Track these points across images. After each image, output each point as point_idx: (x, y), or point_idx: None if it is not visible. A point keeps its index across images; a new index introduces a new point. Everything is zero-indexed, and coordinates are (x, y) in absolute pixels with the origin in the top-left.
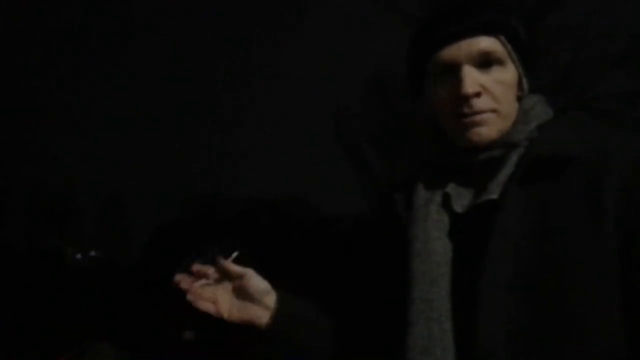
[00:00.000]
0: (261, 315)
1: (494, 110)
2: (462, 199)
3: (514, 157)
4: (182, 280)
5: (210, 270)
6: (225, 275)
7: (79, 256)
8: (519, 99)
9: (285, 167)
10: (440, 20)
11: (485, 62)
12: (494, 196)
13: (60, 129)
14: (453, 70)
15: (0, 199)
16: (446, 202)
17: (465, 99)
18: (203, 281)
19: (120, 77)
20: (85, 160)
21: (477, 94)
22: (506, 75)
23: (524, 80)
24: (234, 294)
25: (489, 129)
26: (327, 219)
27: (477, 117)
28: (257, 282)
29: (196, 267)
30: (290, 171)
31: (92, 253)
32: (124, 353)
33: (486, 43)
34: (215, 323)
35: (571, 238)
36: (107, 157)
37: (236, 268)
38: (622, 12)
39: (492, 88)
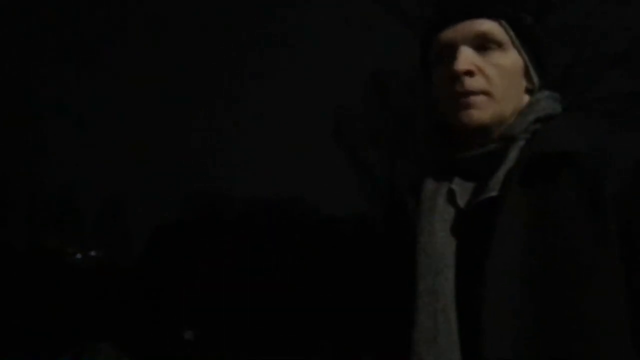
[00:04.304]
0: None
1: (486, 92)
2: (465, 195)
3: (514, 152)
4: None
5: None
6: None
7: (79, 256)
8: (529, 92)
9: (285, 167)
10: (444, 6)
11: (482, 44)
12: (494, 194)
13: (61, 128)
14: (451, 52)
15: (0, 198)
16: (451, 197)
17: (457, 76)
18: None
19: (121, 77)
20: (85, 160)
21: (470, 72)
22: (505, 60)
23: (532, 72)
24: None
25: (480, 111)
26: (327, 219)
27: (470, 99)
28: None
29: None
30: (290, 171)
31: (92, 253)
32: (124, 353)
33: (485, 26)
34: (215, 323)
35: (571, 236)
36: (107, 157)
37: None
38: (622, 12)
39: (487, 69)
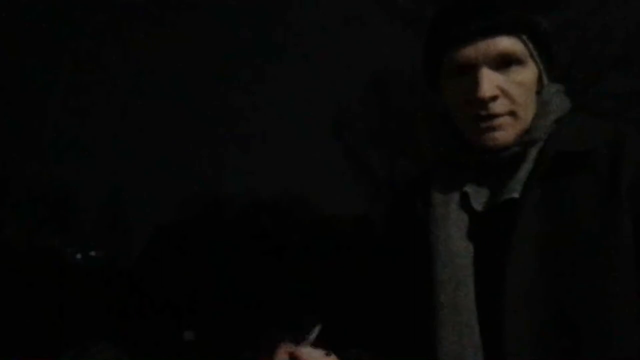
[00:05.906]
0: None
1: (511, 113)
2: (481, 197)
3: (533, 153)
4: None
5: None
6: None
7: (79, 256)
8: (538, 92)
9: (285, 167)
10: (458, 16)
11: (503, 63)
12: (515, 195)
13: (61, 128)
14: (469, 70)
15: (0, 198)
16: (465, 201)
17: (482, 102)
18: None
19: (120, 77)
20: (85, 159)
21: (494, 98)
22: (525, 75)
23: (544, 76)
24: None
25: (505, 133)
26: (327, 219)
27: (495, 122)
28: None
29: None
30: (290, 171)
31: (92, 253)
32: (124, 353)
33: (506, 44)
34: (215, 323)
35: (593, 236)
36: (107, 157)
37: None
38: (622, 12)
39: (510, 89)
